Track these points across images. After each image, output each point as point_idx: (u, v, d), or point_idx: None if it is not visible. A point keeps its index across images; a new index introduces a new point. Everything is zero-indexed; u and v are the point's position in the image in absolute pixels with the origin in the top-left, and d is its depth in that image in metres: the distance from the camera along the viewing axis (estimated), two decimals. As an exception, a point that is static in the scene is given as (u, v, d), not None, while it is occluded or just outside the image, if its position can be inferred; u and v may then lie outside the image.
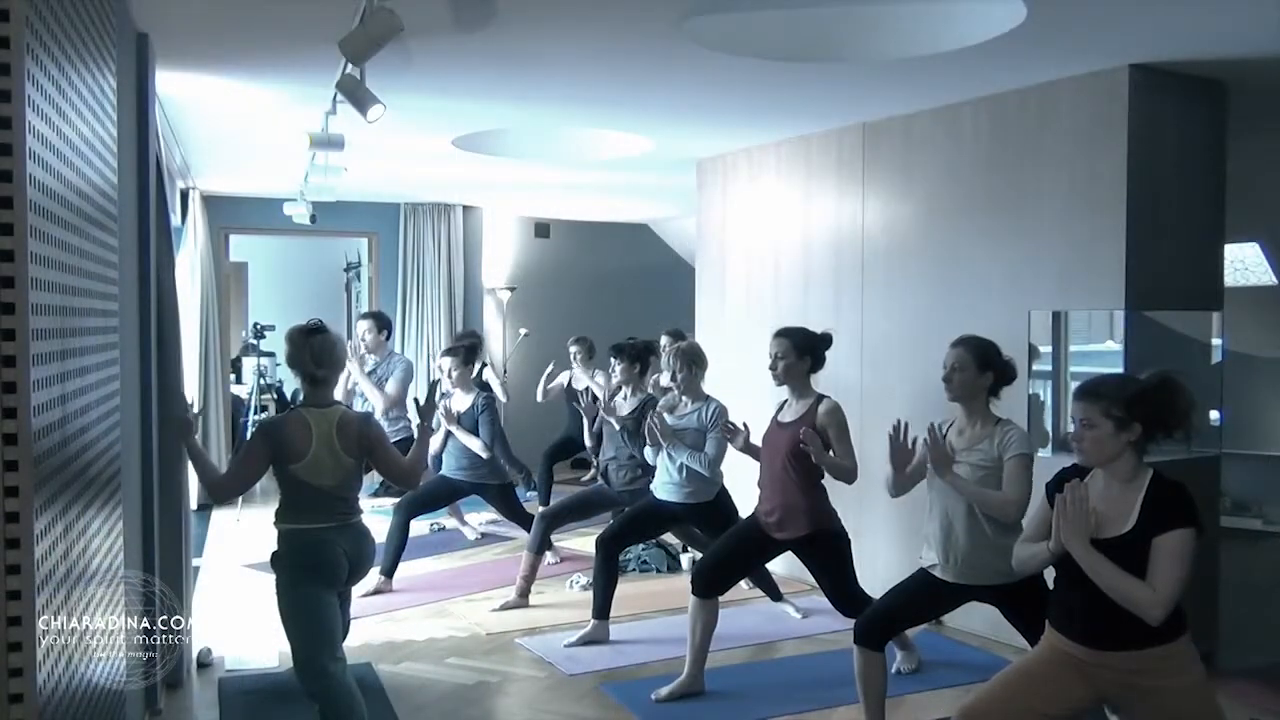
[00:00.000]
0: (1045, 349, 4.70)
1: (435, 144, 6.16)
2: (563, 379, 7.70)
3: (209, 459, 3.66)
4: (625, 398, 5.49)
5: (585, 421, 6.31)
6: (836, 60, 4.27)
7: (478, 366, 5.85)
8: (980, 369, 3.43)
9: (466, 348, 5.86)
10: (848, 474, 3.98)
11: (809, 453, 3.87)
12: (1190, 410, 2.58)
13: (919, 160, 5.26)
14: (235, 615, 5.23)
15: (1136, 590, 2.44)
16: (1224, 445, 4.94)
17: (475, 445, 5.65)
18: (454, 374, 5.75)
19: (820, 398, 4.04)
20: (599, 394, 6.61)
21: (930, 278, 5.18)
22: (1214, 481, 4.66)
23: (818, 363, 4.08)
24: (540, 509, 6.14)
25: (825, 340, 4.10)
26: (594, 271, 10.49)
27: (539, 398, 7.73)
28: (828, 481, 4.09)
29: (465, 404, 5.74)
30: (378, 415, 6.62)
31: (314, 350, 3.29)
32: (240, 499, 7.91)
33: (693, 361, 4.76)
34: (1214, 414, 4.73)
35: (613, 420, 5.29)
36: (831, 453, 3.97)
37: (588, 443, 6.45)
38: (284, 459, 3.22)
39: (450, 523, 7.31)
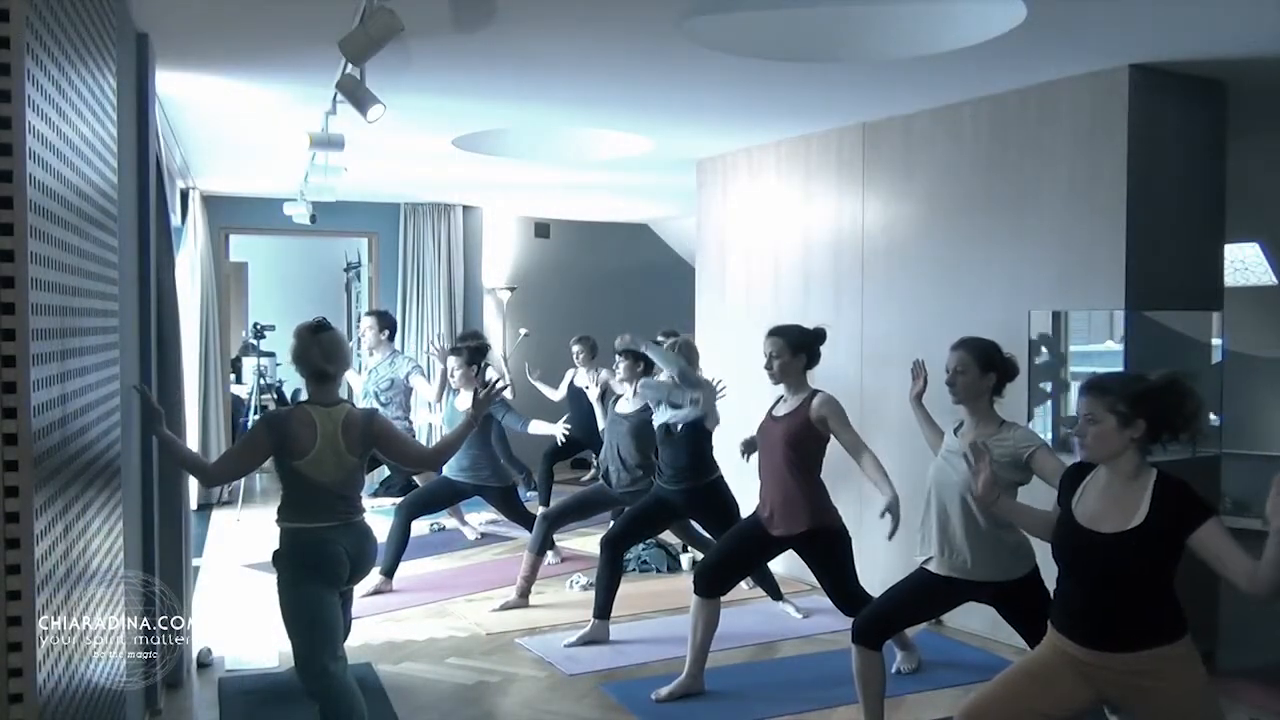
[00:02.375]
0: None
1: (435, 144, 6.16)
2: (567, 377, 7.75)
3: (184, 445, 3.64)
4: (628, 397, 5.50)
5: (599, 411, 6.36)
6: (836, 60, 4.27)
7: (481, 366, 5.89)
8: (983, 370, 3.43)
9: (471, 349, 5.87)
10: (876, 467, 3.88)
11: (806, 444, 3.94)
12: (1197, 413, 2.58)
13: (919, 160, 5.27)
14: (235, 615, 5.23)
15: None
16: (1224, 445, 4.94)
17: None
18: (457, 373, 5.75)
19: (815, 392, 4.04)
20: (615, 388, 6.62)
21: (930, 278, 5.19)
22: (1214, 481, 4.66)
23: (813, 359, 4.08)
24: (541, 510, 6.15)
25: (819, 336, 4.10)
26: (594, 271, 10.50)
27: (555, 397, 7.78)
28: (828, 479, 4.10)
29: (468, 402, 5.74)
30: (432, 408, 6.67)
31: (323, 346, 3.30)
32: (240, 498, 7.94)
33: (694, 357, 4.85)
34: (1213, 414, 4.73)
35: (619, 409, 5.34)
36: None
37: (601, 424, 6.49)
38: (286, 454, 3.22)
39: (450, 523, 7.31)
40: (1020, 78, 4.60)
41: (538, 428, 5.87)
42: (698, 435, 4.80)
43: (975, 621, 4.79)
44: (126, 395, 3.21)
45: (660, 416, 4.88)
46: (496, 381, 3.73)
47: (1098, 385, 2.63)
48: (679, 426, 4.77)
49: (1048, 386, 4.78)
